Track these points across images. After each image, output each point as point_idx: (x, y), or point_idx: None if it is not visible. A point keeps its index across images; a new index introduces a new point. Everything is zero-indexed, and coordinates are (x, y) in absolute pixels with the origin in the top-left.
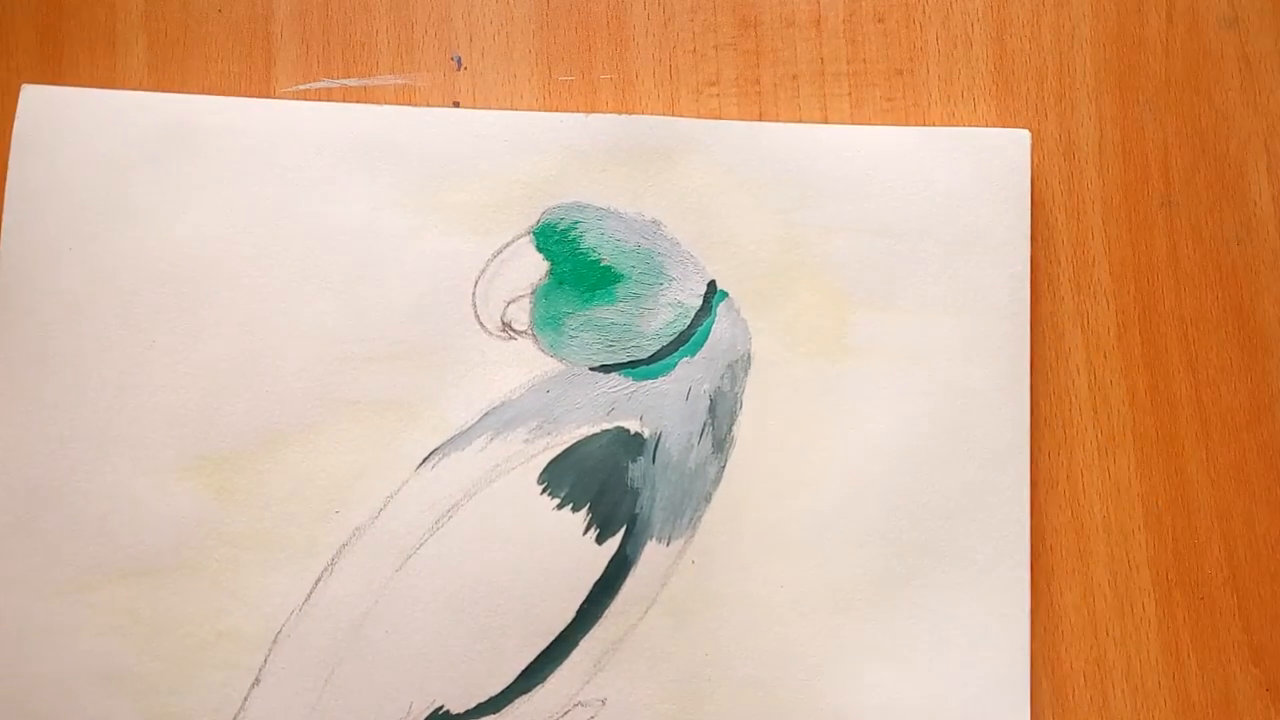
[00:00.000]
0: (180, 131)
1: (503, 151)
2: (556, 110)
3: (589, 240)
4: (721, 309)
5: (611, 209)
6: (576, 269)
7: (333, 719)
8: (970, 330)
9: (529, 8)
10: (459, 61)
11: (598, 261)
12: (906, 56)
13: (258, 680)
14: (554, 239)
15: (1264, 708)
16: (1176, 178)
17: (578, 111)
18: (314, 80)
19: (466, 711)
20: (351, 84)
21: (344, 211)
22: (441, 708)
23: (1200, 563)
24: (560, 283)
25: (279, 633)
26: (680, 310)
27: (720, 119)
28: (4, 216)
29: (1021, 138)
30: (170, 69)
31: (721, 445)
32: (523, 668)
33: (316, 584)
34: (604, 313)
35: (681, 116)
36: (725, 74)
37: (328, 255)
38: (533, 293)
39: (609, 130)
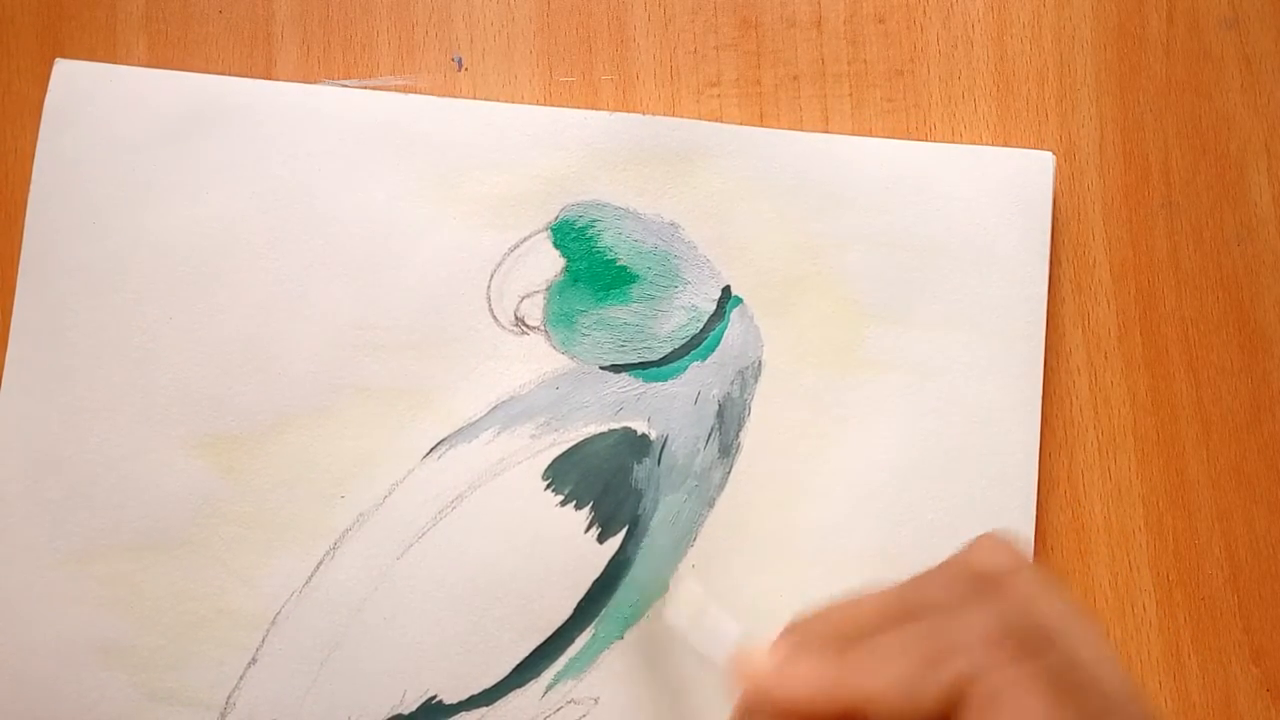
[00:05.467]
0: (206, 111)
1: (525, 146)
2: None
3: (606, 239)
4: (735, 315)
5: (630, 209)
6: (592, 267)
7: (327, 702)
8: (983, 349)
9: (529, 9)
10: (460, 62)
11: (614, 261)
12: (907, 57)
13: (255, 660)
14: (571, 236)
15: (1264, 708)
16: (1177, 178)
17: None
18: (315, 81)
19: (459, 702)
20: (352, 85)
21: (363, 198)
22: (435, 697)
23: (1201, 563)
24: (575, 280)
25: (278, 614)
26: (694, 314)
27: (721, 120)
28: (30, 189)
29: (1045, 160)
30: (170, 70)
31: (728, 451)
32: (518, 662)
33: (318, 567)
34: (617, 312)
35: (682, 117)
36: (726, 75)
37: (345, 241)
38: (547, 289)
39: (632, 130)
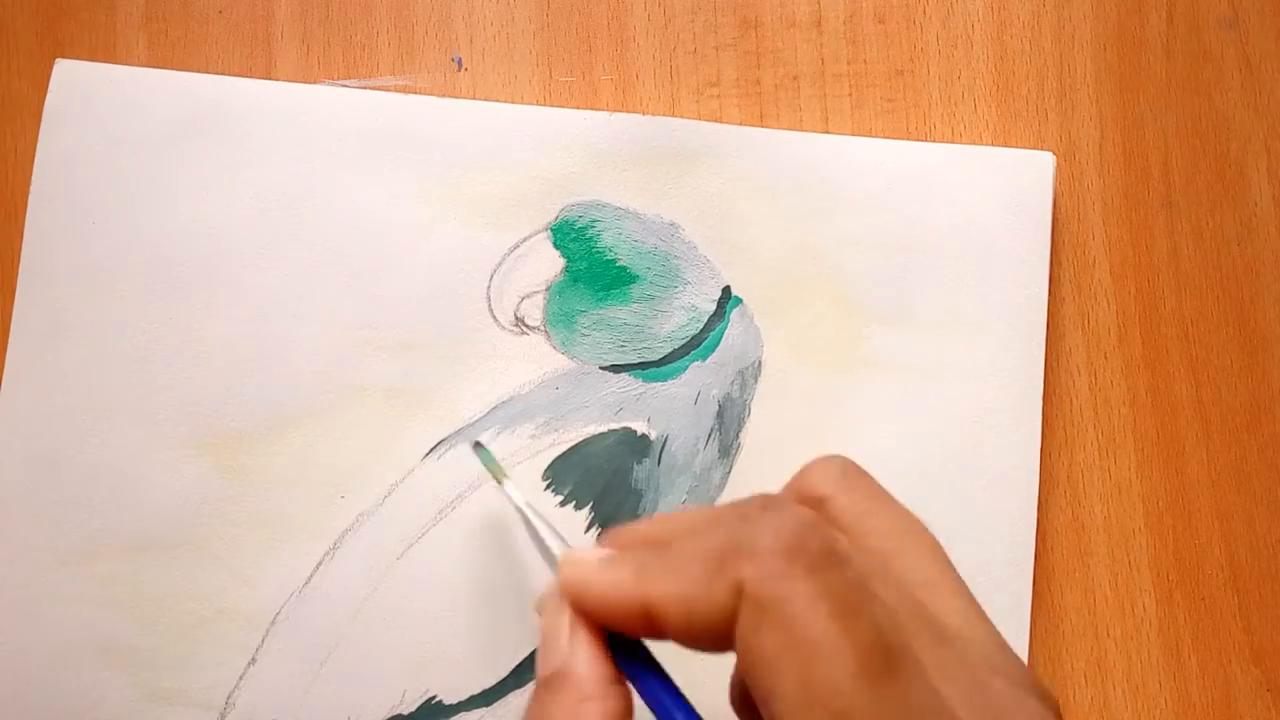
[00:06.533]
0: (206, 111)
1: (525, 146)
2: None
3: (606, 239)
4: (735, 315)
5: (630, 209)
6: (592, 267)
7: (327, 703)
8: (984, 350)
9: (529, 9)
10: (459, 62)
11: (614, 261)
12: (907, 57)
13: (254, 660)
14: (571, 236)
15: (1265, 708)
16: (1177, 178)
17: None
18: (315, 81)
19: (459, 703)
20: (352, 85)
21: (364, 199)
22: (434, 697)
23: (1201, 563)
24: (575, 280)
25: (278, 614)
26: (694, 314)
27: (721, 120)
28: (31, 189)
29: (1045, 160)
30: (170, 70)
31: (728, 451)
32: (517, 662)
33: (318, 567)
34: (617, 312)
35: (682, 118)
36: (726, 75)
37: (345, 241)
38: (547, 289)
39: (632, 130)
